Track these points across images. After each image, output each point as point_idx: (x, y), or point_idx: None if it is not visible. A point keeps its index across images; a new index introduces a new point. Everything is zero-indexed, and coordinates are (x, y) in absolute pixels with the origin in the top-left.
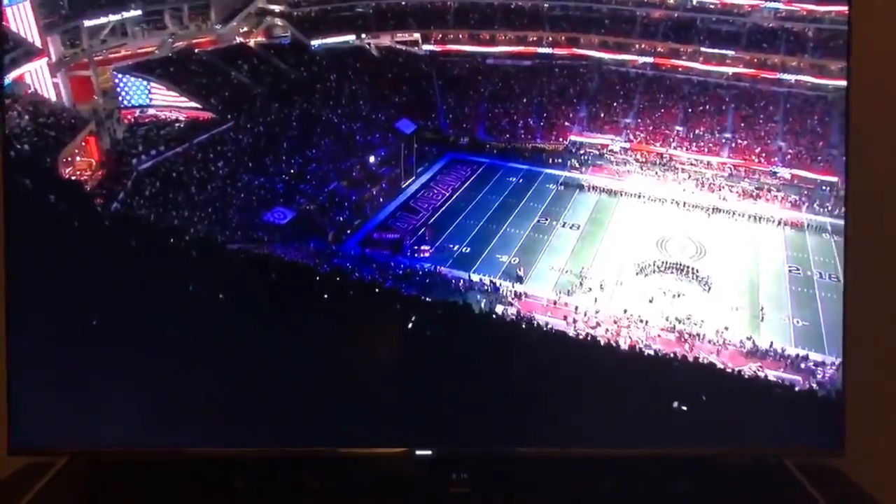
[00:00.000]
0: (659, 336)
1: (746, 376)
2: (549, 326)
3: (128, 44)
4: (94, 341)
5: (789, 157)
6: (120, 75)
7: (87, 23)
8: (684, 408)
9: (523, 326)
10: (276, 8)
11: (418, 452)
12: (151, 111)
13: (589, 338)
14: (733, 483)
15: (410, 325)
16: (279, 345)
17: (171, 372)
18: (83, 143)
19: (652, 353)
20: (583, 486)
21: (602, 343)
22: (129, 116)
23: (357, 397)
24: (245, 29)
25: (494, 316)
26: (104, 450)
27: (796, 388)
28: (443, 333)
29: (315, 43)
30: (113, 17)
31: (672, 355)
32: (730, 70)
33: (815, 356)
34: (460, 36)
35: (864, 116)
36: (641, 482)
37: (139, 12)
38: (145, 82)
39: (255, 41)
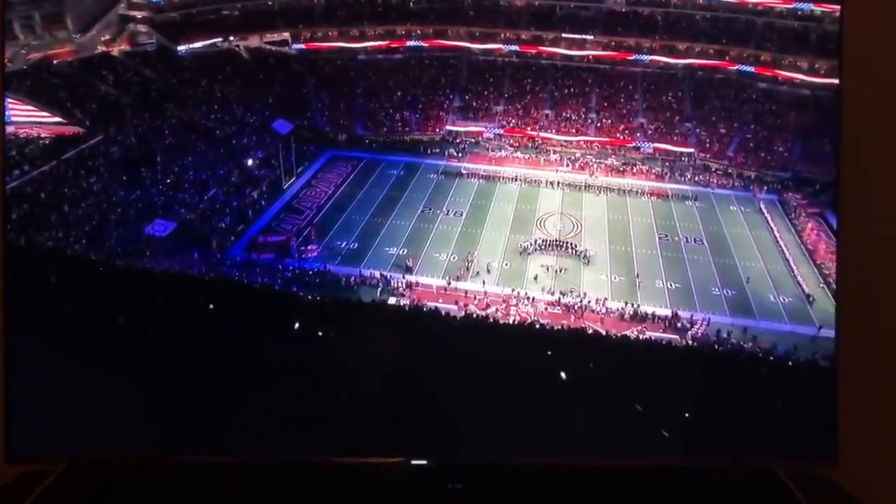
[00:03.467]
0: (546, 310)
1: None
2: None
3: None
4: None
5: (650, 132)
6: None
7: None
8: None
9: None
10: (138, 14)
11: (414, 462)
12: (10, 129)
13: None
14: (725, 493)
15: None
16: (267, 355)
17: (166, 382)
18: None
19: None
20: (576, 495)
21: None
22: None
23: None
24: (107, 37)
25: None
26: (101, 458)
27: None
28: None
29: (182, 48)
30: None
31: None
32: (590, 53)
33: (686, 314)
34: (330, 33)
35: (857, 114)
36: (634, 492)
37: None
38: None
39: (118, 49)
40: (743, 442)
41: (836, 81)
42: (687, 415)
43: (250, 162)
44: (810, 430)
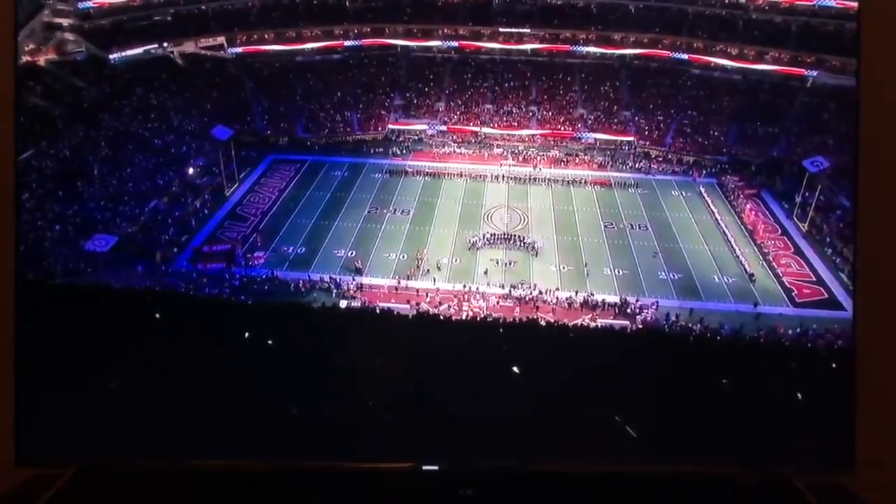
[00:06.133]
0: (498, 304)
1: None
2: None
3: None
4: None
5: (590, 122)
6: None
7: None
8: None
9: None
10: (64, 21)
11: (425, 468)
12: None
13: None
14: (741, 501)
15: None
16: (275, 359)
17: (177, 386)
18: None
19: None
20: (590, 501)
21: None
22: None
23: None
24: (31, 46)
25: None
26: (111, 462)
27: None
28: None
29: (114, 56)
30: None
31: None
32: (528, 47)
33: (635, 300)
34: (266, 36)
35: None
36: (650, 498)
37: None
38: None
39: (45, 59)
40: (759, 449)
41: (854, 81)
42: (699, 419)
43: (191, 170)
44: (826, 438)
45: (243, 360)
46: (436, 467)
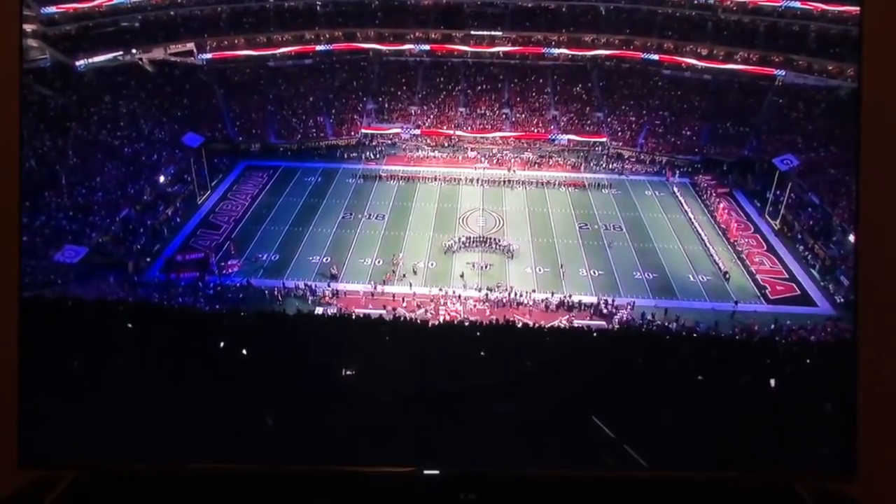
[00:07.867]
0: (475, 307)
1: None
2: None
3: None
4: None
5: (563, 124)
6: None
7: None
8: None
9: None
10: (27, 27)
11: (426, 472)
12: None
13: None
14: None
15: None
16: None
17: (178, 391)
18: None
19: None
20: None
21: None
22: None
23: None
24: None
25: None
26: (113, 464)
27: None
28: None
29: (80, 63)
30: None
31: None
32: (499, 49)
33: (611, 300)
34: (236, 41)
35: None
36: None
37: None
38: None
39: None
40: (760, 456)
41: (855, 84)
42: (700, 425)
43: (162, 178)
44: (828, 445)
45: (242, 366)
46: (437, 471)
